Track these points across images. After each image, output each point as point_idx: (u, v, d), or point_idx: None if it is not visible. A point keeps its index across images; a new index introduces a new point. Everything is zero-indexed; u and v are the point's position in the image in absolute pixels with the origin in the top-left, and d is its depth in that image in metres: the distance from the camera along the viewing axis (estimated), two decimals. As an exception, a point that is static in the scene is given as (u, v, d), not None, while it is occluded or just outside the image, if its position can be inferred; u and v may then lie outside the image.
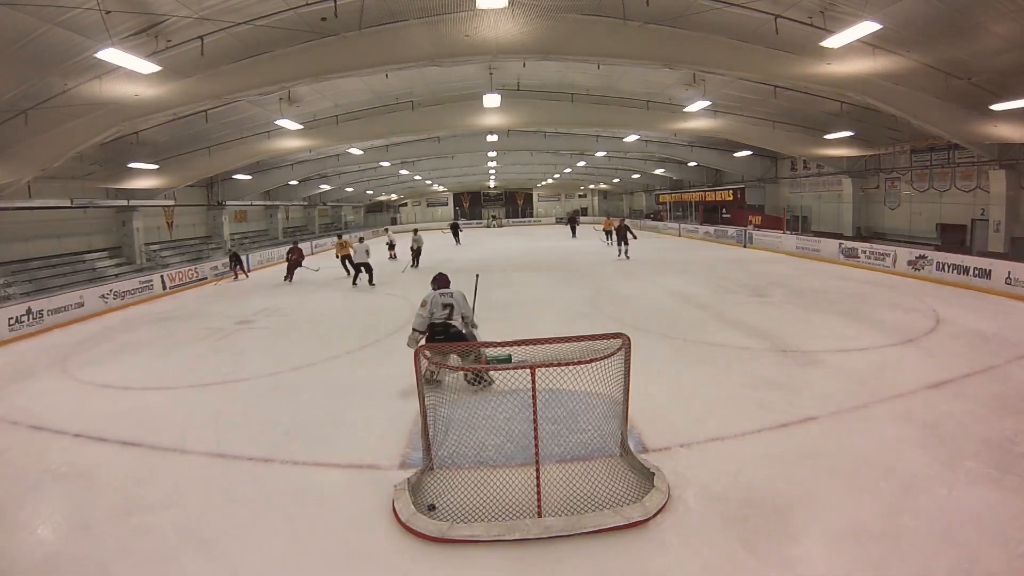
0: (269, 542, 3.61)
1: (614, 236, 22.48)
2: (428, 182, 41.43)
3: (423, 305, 5.92)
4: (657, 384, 6.07)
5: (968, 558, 3.15)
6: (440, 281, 6.21)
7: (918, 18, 8.74)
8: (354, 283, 14.88)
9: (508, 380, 4.89)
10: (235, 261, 18.21)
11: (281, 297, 13.87)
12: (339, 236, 20.10)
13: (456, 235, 30.01)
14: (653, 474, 4.03)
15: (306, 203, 34.57)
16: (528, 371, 3.81)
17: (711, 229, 26.59)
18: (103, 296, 13.03)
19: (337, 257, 16.81)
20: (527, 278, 15.33)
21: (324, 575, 3.32)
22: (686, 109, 15.27)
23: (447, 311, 5.94)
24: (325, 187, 31.46)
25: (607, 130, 21.51)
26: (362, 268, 14.86)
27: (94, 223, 17.76)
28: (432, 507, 3.78)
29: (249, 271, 19.60)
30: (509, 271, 17.11)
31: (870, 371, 6.38)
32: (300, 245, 18.26)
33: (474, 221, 49.71)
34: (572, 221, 33.10)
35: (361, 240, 15.81)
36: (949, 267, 12.24)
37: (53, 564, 3.45)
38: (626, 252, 18.71)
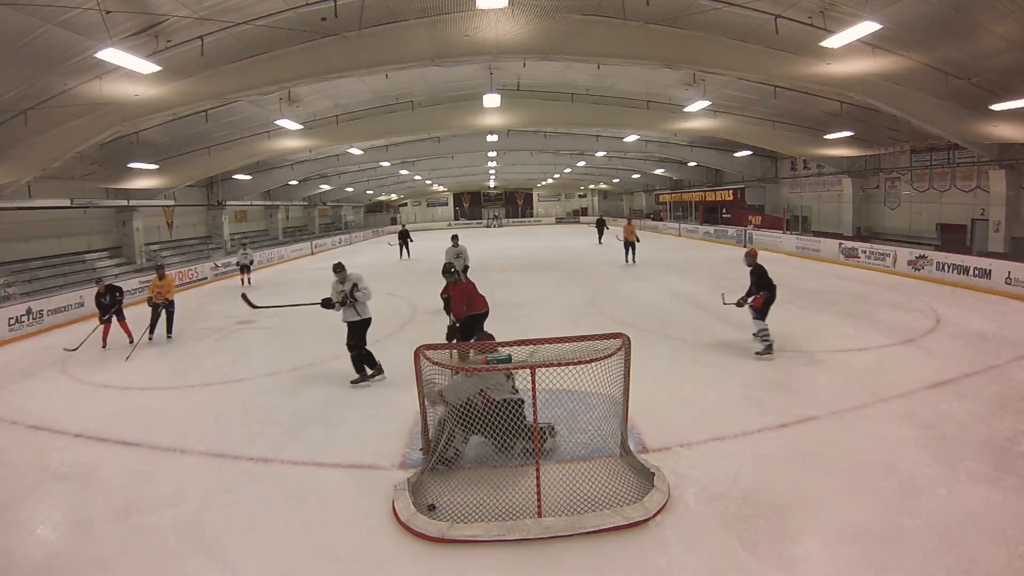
0: (269, 542, 3.61)
1: (632, 254, 17.38)
2: (428, 182, 41.44)
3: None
4: (657, 384, 6.07)
5: (968, 558, 3.15)
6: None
7: (918, 18, 8.74)
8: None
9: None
10: (110, 300, 9.09)
11: (281, 297, 13.85)
12: (159, 269, 9.73)
13: (405, 246, 22.91)
14: (653, 474, 4.03)
15: (306, 203, 34.58)
16: (528, 371, 3.81)
17: (711, 229, 26.60)
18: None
19: (150, 303, 9.46)
20: (527, 278, 15.32)
21: (324, 575, 3.32)
22: (686, 109, 15.27)
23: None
24: (325, 187, 31.46)
25: (607, 130, 21.49)
26: (356, 347, 6.59)
27: (94, 223, 17.75)
28: (432, 507, 3.78)
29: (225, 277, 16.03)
30: (509, 271, 17.11)
31: (870, 371, 6.39)
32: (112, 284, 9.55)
33: (474, 221, 49.73)
34: (600, 224, 27.41)
35: (340, 273, 6.81)
36: (949, 267, 12.23)
37: (53, 564, 3.46)
38: (757, 310, 7.40)
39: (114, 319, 9.23)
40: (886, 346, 7.42)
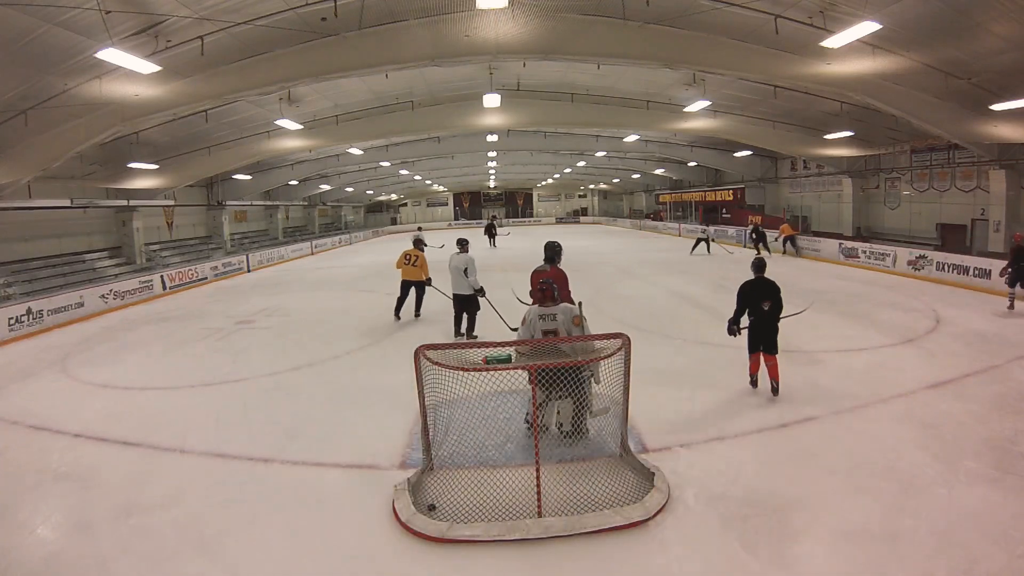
0: (269, 542, 3.61)
1: (793, 245, 18.31)
2: (428, 182, 41.43)
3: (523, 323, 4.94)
4: (657, 384, 6.07)
5: (968, 558, 3.15)
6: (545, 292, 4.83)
7: (918, 18, 8.74)
8: None
9: (508, 380, 4.89)
10: None
11: (281, 297, 13.86)
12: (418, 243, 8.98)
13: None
14: (653, 474, 4.03)
15: (306, 203, 34.58)
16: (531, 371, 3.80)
17: (711, 229, 26.55)
18: (103, 296, 13.02)
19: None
20: (527, 278, 15.28)
21: (324, 575, 3.32)
22: (686, 109, 15.27)
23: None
24: (325, 187, 31.45)
25: (607, 130, 21.49)
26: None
27: (94, 223, 17.75)
28: (432, 507, 3.78)
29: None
30: (509, 271, 17.10)
31: (870, 371, 6.39)
32: None
33: (474, 221, 49.66)
34: (759, 235, 19.72)
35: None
36: (949, 267, 12.23)
37: (53, 564, 3.45)
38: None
39: None
40: (886, 346, 7.42)
